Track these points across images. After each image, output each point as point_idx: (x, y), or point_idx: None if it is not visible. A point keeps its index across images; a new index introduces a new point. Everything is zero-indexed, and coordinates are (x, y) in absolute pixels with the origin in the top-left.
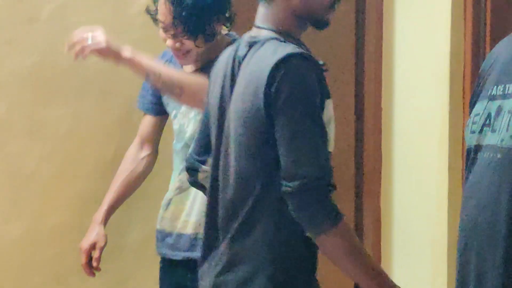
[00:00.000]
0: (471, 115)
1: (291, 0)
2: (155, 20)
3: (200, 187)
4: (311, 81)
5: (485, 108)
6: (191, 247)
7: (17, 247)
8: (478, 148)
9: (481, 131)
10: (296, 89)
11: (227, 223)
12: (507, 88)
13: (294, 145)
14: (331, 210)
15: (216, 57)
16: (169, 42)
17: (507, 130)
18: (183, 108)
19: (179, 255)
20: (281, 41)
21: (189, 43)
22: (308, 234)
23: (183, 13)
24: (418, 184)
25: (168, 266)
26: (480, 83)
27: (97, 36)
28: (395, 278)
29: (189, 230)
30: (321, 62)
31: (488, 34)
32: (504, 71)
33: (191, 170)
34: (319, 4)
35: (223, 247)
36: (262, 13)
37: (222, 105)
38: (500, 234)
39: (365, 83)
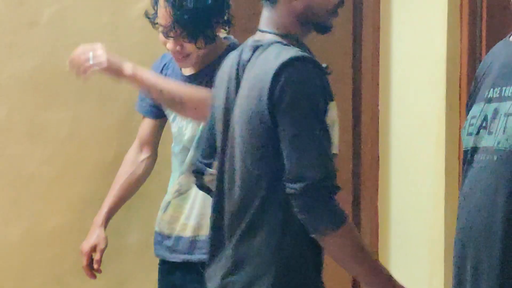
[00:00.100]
0: (467, 117)
1: (294, 5)
2: (153, 23)
3: (207, 190)
4: (314, 84)
5: (481, 111)
6: (190, 250)
7: (17, 248)
8: (474, 150)
9: (477, 133)
10: (299, 92)
11: (233, 225)
12: (503, 91)
13: (297, 147)
14: (335, 212)
15: (215, 60)
16: (170, 45)
17: (503, 132)
18: None
19: (178, 258)
20: (284, 45)
21: (189, 46)
22: (312, 235)
23: (184, 16)
24: (415, 185)
25: (167, 268)
26: (476, 86)
27: (98, 54)
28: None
29: (188, 233)
30: (324, 65)
31: (483, 38)
32: (501, 75)
33: (197, 173)
34: (322, 9)
35: (229, 249)
36: (265, 17)
37: (227, 108)
38: (496, 235)
39: (362, 86)
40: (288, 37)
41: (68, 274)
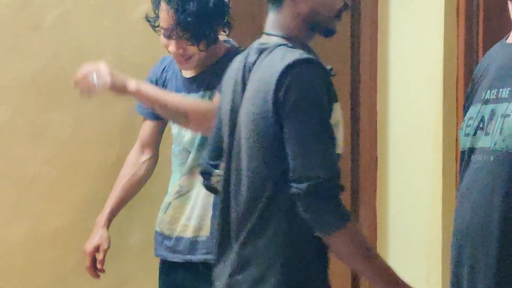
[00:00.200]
0: (465, 118)
1: (299, 8)
2: (154, 27)
3: (214, 190)
4: (318, 85)
5: (478, 112)
6: (191, 250)
7: (20, 248)
8: (471, 150)
9: (474, 134)
10: (304, 94)
11: (239, 225)
12: (500, 93)
13: (302, 148)
14: (339, 211)
15: (215, 62)
16: (172, 48)
17: (500, 133)
18: None
19: (179, 258)
20: (289, 47)
21: (192, 48)
22: (317, 234)
23: (187, 19)
24: (413, 186)
25: (168, 268)
26: (473, 87)
27: (101, 75)
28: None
29: (188, 234)
30: (328, 67)
31: (480, 40)
32: (498, 76)
33: (205, 174)
34: (326, 12)
35: (236, 248)
36: (271, 20)
37: (233, 110)
38: (493, 234)
39: (361, 88)
40: (293, 40)
41: (71, 274)
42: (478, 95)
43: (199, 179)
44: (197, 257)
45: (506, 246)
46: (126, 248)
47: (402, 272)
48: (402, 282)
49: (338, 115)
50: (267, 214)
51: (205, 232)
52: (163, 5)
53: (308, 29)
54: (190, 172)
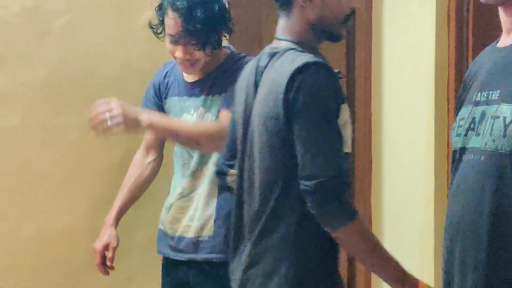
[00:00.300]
0: (456, 119)
1: (307, 14)
2: (157, 33)
3: (229, 189)
4: (326, 87)
5: (470, 113)
6: (193, 250)
7: (30, 246)
8: (463, 150)
9: (466, 134)
10: (312, 95)
11: (253, 222)
12: (490, 95)
13: (311, 147)
14: (346, 207)
15: (216, 67)
16: (179, 53)
17: (490, 134)
18: (184, 115)
19: (181, 257)
20: (299, 51)
21: (198, 53)
22: (325, 229)
23: (196, 26)
24: (406, 184)
25: (170, 265)
26: (464, 89)
27: (114, 115)
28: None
29: (190, 234)
30: (336, 71)
31: (470, 45)
32: (488, 79)
33: (220, 174)
34: (333, 19)
35: (249, 244)
36: (281, 26)
37: (246, 111)
38: (483, 230)
39: (356, 90)
40: (302, 44)
41: (79, 269)
42: (469, 97)
43: (201, 181)
44: (200, 256)
45: (495, 241)
46: (132, 246)
47: None
48: (409, 275)
49: (346, 116)
50: (278, 211)
51: (208, 232)
52: (171, 13)
53: (316, 34)
54: (193, 175)
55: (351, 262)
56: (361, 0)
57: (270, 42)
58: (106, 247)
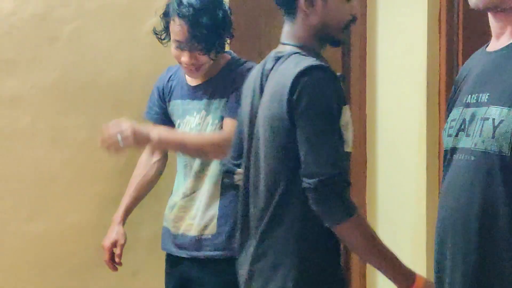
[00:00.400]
0: (448, 120)
1: (310, 20)
2: (161, 39)
3: (236, 187)
4: (328, 89)
5: (460, 115)
6: (196, 248)
7: (41, 242)
8: (453, 150)
9: (456, 135)
10: (315, 97)
11: (258, 218)
12: (480, 97)
13: (313, 146)
14: (346, 204)
15: (218, 72)
16: (185, 58)
17: (479, 135)
18: (187, 118)
19: (184, 253)
20: (302, 55)
21: (203, 58)
22: (326, 224)
23: (202, 32)
24: (399, 182)
25: (173, 261)
26: (455, 92)
27: (125, 136)
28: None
29: (193, 232)
30: (338, 74)
31: (460, 49)
32: (477, 82)
33: (228, 173)
34: (335, 25)
35: (255, 239)
36: (286, 31)
37: (252, 112)
38: (473, 226)
39: (351, 93)
40: (306, 48)
41: (87, 265)
42: (460, 99)
43: (203, 182)
44: (202, 253)
45: (484, 236)
46: (137, 242)
47: None
48: (406, 268)
49: (347, 117)
50: (282, 208)
51: (210, 231)
52: (177, 20)
53: (319, 39)
54: (195, 176)
55: (345, 251)
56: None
57: (268, 46)
58: (114, 244)
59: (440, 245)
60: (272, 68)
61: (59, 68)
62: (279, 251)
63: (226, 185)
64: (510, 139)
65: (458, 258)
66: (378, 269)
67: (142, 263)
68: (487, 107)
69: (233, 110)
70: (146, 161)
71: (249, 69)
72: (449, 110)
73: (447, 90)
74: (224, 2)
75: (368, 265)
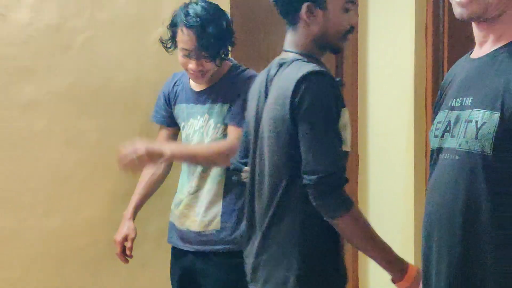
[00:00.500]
0: (434, 122)
1: (311, 29)
2: (166, 48)
3: (243, 184)
4: (328, 93)
5: (446, 117)
6: (200, 242)
7: (56, 236)
8: (439, 150)
9: (442, 136)
10: (315, 100)
11: (263, 213)
12: (464, 101)
13: (313, 146)
14: (343, 199)
15: (220, 78)
16: (192, 65)
17: (464, 136)
18: (191, 121)
19: (189, 247)
20: (304, 62)
21: (209, 65)
22: (325, 218)
23: (208, 41)
24: (389, 179)
25: (179, 253)
26: (441, 96)
27: (140, 156)
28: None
29: (198, 228)
30: (337, 79)
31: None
32: (462, 87)
33: (236, 171)
34: (334, 33)
35: (260, 233)
36: (289, 40)
37: (258, 115)
38: (457, 220)
39: (344, 95)
40: (307, 55)
41: (100, 258)
42: (445, 103)
43: (206, 181)
44: (207, 247)
45: (468, 230)
46: (145, 236)
47: None
48: (399, 258)
49: (346, 119)
50: (285, 203)
51: (214, 227)
52: (185, 31)
53: (319, 47)
54: (199, 175)
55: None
56: None
57: (266, 53)
58: (125, 238)
59: (427, 238)
60: (276, 73)
61: (72, 75)
62: (282, 243)
63: (230, 183)
64: (492, 140)
65: (444, 250)
66: (374, 259)
67: (150, 256)
68: (470, 110)
69: (236, 118)
70: None
71: (250, 77)
72: (435, 113)
73: (433, 95)
74: (226, 12)
75: (360, 254)
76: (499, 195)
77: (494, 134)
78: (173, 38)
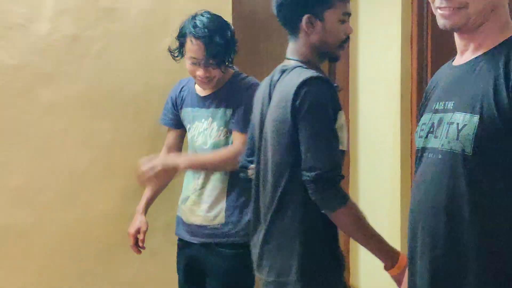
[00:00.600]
0: (419, 123)
1: (311, 39)
2: (174, 56)
3: (250, 180)
4: (326, 97)
5: (430, 119)
6: (205, 235)
7: (73, 229)
8: (424, 149)
9: (426, 136)
10: (314, 103)
11: (267, 207)
12: (446, 104)
13: (312, 145)
14: (340, 194)
15: (224, 84)
16: (201, 73)
17: (446, 137)
18: (196, 123)
19: (195, 240)
20: (304, 68)
21: (215, 71)
22: (323, 211)
23: (217, 49)
24: (378, 176)
25: (184, 244)
26: (426, 100)
27: (157, 171)
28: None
29: (203, 222)
30: (335, 85)
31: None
32: (444, 92)
33: (243, 168)
34: (332, 43)
35: (265, 225)
36: (290, 48)
37: (262, 117)
38: (440, 213)
39: None
40: (307, 63)
41: (113, 247)
42: (429, 106)
43: (210, 180)
44: (212, 240)
45: (449, 221)
46: (155, 228)
47: None
48: (392, 248)
49: (342, 120)
50: (286, 197)
51: (218, 221)
52: (195, 41)
53: (318, 55)
54: (205, 174)
55: None
56: None
57: (266, 60)
58: (138, 231)
59: (412, 231)
60: (278, 79)
61: (88, 81)
62: (285, 234)
63: (233, 182)
64: (472, 141)
65: (427, 243)
66: (368, 248)
67: (159, 246)
68: (452, 113)
69: (240, 125)
70: None
71: (251, 85)
72: (420, 115)
73: (418, 99)
74: (229, 23)
75: (351, 247)
76: (479, 191)
77: (474, 135)
78: (181, 47)
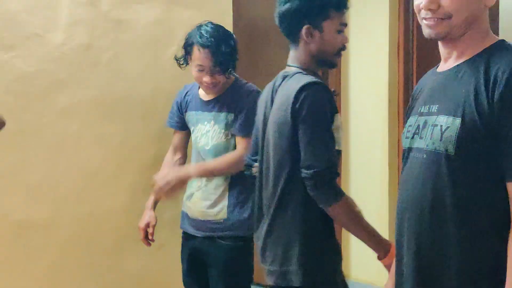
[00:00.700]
0: (405, 125)
1: (310, 47)
2: (179, 64)
3: (254, 177)
4: (323, 101)
5: (415, 121)
6: (208, 229)
7: (86, 223)
8: (410, 149)
9: (412, 137)
10: (313, 106)
11: (269, 201)
12: (431, 108)
13: (310, 145)
14: (335, 190)
15: (226, 89)
16: (207, 79)
17: (430, 138)
18: (199, 125)
19: (198, 233)
20: (304, 74)
21: (220, 77)
22: (320, 206)
23: (224, 57)
24: (367, 174)
25: (188, 237)
26: (412, 103)
27: (172, 185)
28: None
29: (207, 217)
30: (332, 90)
31: (414, 71)
32: (429, 96)
33: (248, 166)
34: (329, 51)
35: (267, 219)
36: (291, 56)
37: (265, 119)
38: (425, 209)
39: None
40: (307, 69)
41: (123, 240)
42: (415, 109)
43: (214, 178)
44: (215, 233)
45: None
46: (162, 222)
47: (357, 240)
48: (384, 239)
49: (338, 122)
50: (286, 193)
51: (221, 216)
52: (201, 49)
53: (317, 62)
54: None
55: None
56: None
57: (265, 67)
58: (147, 225)
59: (399, 225)
60: (280, 84)
61: (100, 87)
62: (286, 227)
63: (234, 180)
64: (454, 142)
65: (412, 238)
66: (362, 240)
67: (166, 239)
68: (436, 116)
69: (243, 130)
70: (170, 159)
71: (251, 91)
72: (406, 117)
73: (405, 102)
74: (231, 32)
75: (343, 239)
76: (461, 188)
77: (456, 136)
78: (186, 55)
